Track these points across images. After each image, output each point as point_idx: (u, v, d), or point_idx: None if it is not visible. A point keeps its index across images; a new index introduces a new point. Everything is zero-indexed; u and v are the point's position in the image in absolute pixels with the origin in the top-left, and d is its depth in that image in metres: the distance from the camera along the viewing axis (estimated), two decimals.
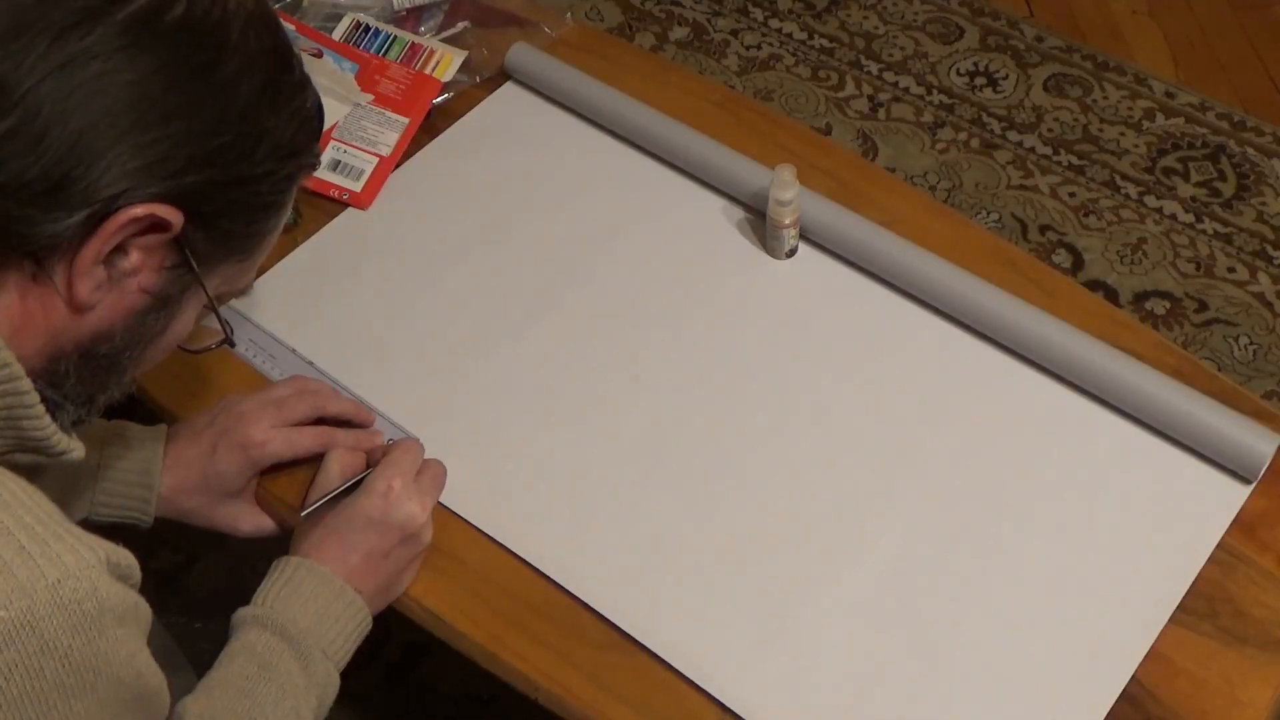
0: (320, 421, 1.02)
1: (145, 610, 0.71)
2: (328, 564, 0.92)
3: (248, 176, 0.73)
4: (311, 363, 1.08)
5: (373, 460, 0.99)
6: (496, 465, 1.02)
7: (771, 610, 0.94)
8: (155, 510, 0.99)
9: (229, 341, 0.84)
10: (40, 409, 0.69)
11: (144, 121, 0.68)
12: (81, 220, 0.67)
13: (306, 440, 0.99)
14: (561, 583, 0.96)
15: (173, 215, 0.69)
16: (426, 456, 1.00)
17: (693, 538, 0.98)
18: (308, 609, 0.90)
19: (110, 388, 0.76)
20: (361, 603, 0.92)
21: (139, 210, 0.68)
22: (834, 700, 0.90)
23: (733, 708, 0.89)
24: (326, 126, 1.22)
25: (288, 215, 0.80)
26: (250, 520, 1.01)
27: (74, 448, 0.73)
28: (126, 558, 0.68)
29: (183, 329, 0.78)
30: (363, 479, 0.96)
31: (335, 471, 0.98)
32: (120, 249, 0.70)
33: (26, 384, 0.68)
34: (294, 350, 1.09)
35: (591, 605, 0.94)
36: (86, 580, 0.63)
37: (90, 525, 0.97)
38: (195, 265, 0.73)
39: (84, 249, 0.68)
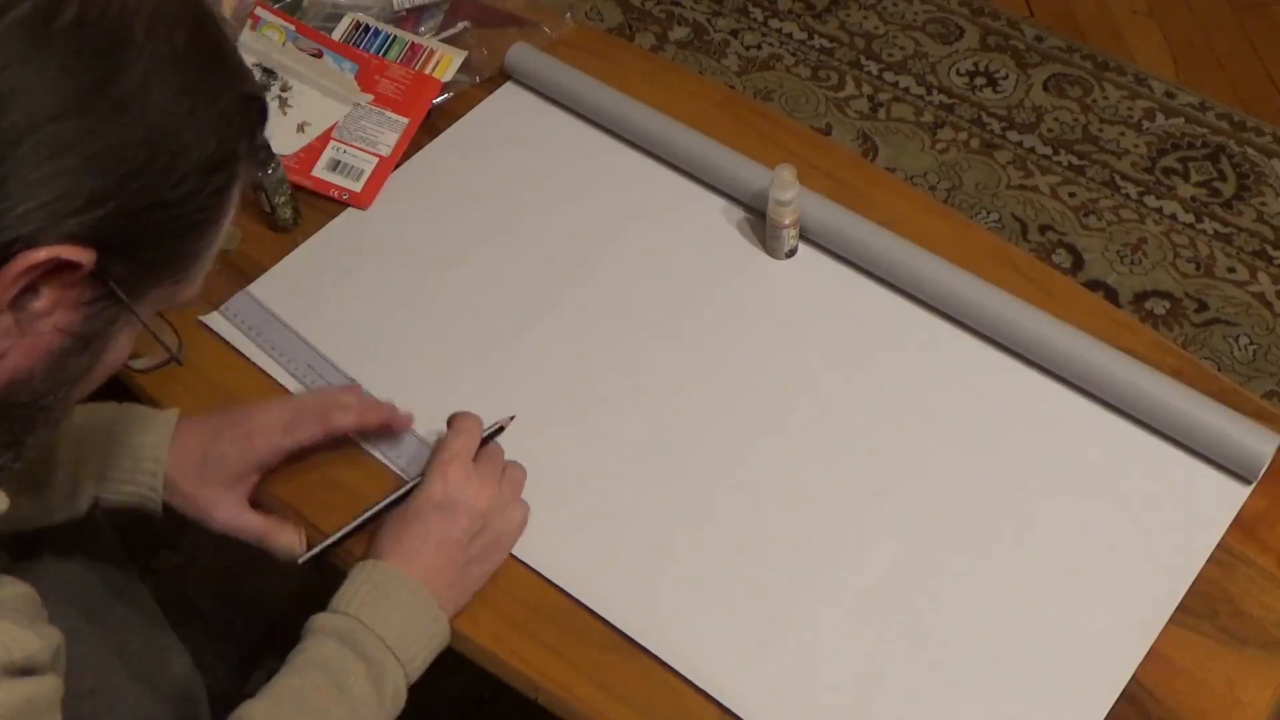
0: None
1: (48, 691, 0.66)
2: (405, 564, 0.89)
3: (166, 201, 0.65)
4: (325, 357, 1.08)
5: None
6: None
7: (771, 611, 0.94)
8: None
9: (175, 360, 0.77)
10: None
11: (37, 155, 0.60)
12: None
13: (303, 435, 0.98)
14: (561, 584, 0.96)
15: (81, 255, 0.62)
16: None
17: (693, 538, 0.98)
18: (390, 621, 0.87)
19: (38, 430, 0.70)
20: (444, 619, 0.90)
21: (40, 255, 0.60)
22: (834, 700, 0.90)
23: (733, 708, 0.89)
24: (326, 126, 1.23)
25: (226, 227, 0.72)
26: (228, 511, 0.97)
27: None
28: (23, 647, 0.64)
29: (116, 359, 0.71)
30: (413, 486, 0.95)
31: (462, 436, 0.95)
32: (30, 289, 0.63)
33: None
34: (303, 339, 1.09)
35: (590, 607, 0.94)
36: None
37: (102, 509, 0.97)
38: (123, 295, 0.66)
39: None
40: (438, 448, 0.95)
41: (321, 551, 0.97)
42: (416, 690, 0.89)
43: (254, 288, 1.13)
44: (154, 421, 0.97)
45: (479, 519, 0.92)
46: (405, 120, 1.24)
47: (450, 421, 0.98)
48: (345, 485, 1.02)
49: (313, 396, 1.01)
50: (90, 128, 0.61)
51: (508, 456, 1.01)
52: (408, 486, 0.96)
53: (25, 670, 0.65)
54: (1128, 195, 1.98)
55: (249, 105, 0.70)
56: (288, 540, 0.98)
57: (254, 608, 1.53)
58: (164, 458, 0.96)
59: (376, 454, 1.03)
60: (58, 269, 0.62)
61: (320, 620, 0.88)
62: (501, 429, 1.00)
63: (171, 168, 0.64)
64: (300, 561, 0.96)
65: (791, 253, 1.14)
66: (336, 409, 0.99)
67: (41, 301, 0.64)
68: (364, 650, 0.85)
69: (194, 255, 0.70)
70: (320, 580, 1.56)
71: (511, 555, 0.97)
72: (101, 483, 0.97)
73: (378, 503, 0.97)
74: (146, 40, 0.62)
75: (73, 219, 0.61)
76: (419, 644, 0.88)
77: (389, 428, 1.02)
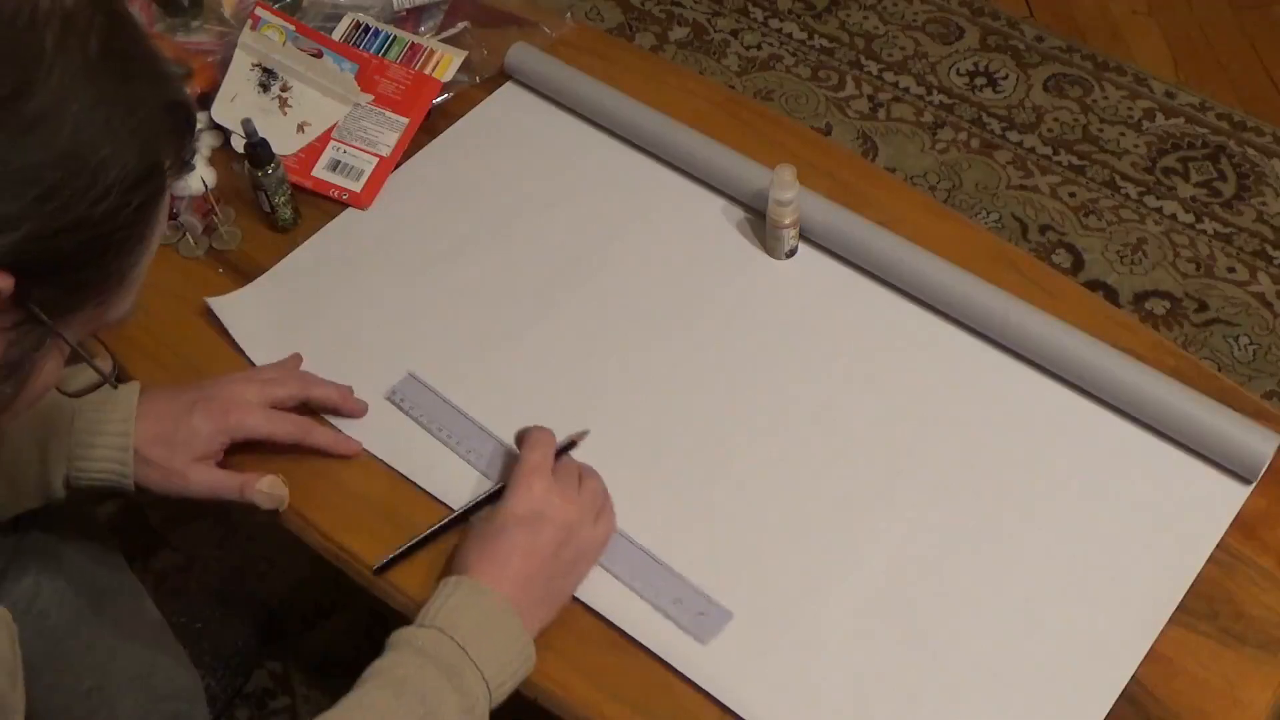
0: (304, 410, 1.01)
1: None
2: (494, 578, 0.87)
3: (86, 220, 0.61)
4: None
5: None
6: (495, 466, 1.02)
7: (771, 610, 0.94)
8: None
9: (108, 383, 0.74)
10: None
11: None
12: None
13: (285, 425, 0.98)
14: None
15: None
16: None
17: (692, 538, 0.98)
18: (489, 654, 0.84)
19: None
20: (532, 649, 0.87)
21: None
22: (834, 700, 0.90)
23: (733, 707, 0.89)
24: (326, 127, 1.23)
25: (155, 244, 0.68)
26: (202, 475, 0.96)
27: None
28: None
29: (44, 384, 0.68)
30: (487, 498, 0.96)
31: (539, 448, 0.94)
32: None
33: None
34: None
35: (590, 605, 0.94)
36: None
37: (76, 491, 0.96)
38: (46, 320, 0.63)
39: None
40: (517, 462, 0.94)
41: (398, 557, 0.96)
42: None
43: (258, 289, 1.13)
44: (116, 397, 0.96)
45: (564, 530, 0.90)
46: (405, 120, 1.24)
47: (522, 436, 0.97)
48: (347, 486, 1.02)
49: (283, 378, 1.01)
50: (1, 146, 0.58)
51: (509, 458, 1.01)
52: (489, 493, 0.96)
53: None
54: (1128, 195, 1.98)
55: (173, 113, 0.66)
56: (268, 486, 0.97)
57: (254, 608, 1.53)
58: (130, 431, 0.94)
59: (459, 453, 1.02)
60: None
61: (417, 638, 0.84)
62: (574, 444, 0.99)
63: (90, 186, 0.60)
64: (375, 570, 0.95)
65: (791, 253, 1.14)
66: (311, 386, 1.00)
67: None
68: (460, 681, 0.82)
69: (120, 274, 0.66)
70: (320, 581, 1.56)
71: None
72: (71, 463, 0.95)
73: (457, 509, 0.97)
74: (57, 52, 0.59)
75: None
76: (507, 672, 0.86)
77: (341, 448, 1.01)
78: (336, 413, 1.04)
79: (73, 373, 0.72)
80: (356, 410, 1.04)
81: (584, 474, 0.96)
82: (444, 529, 0.97)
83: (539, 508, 0.90)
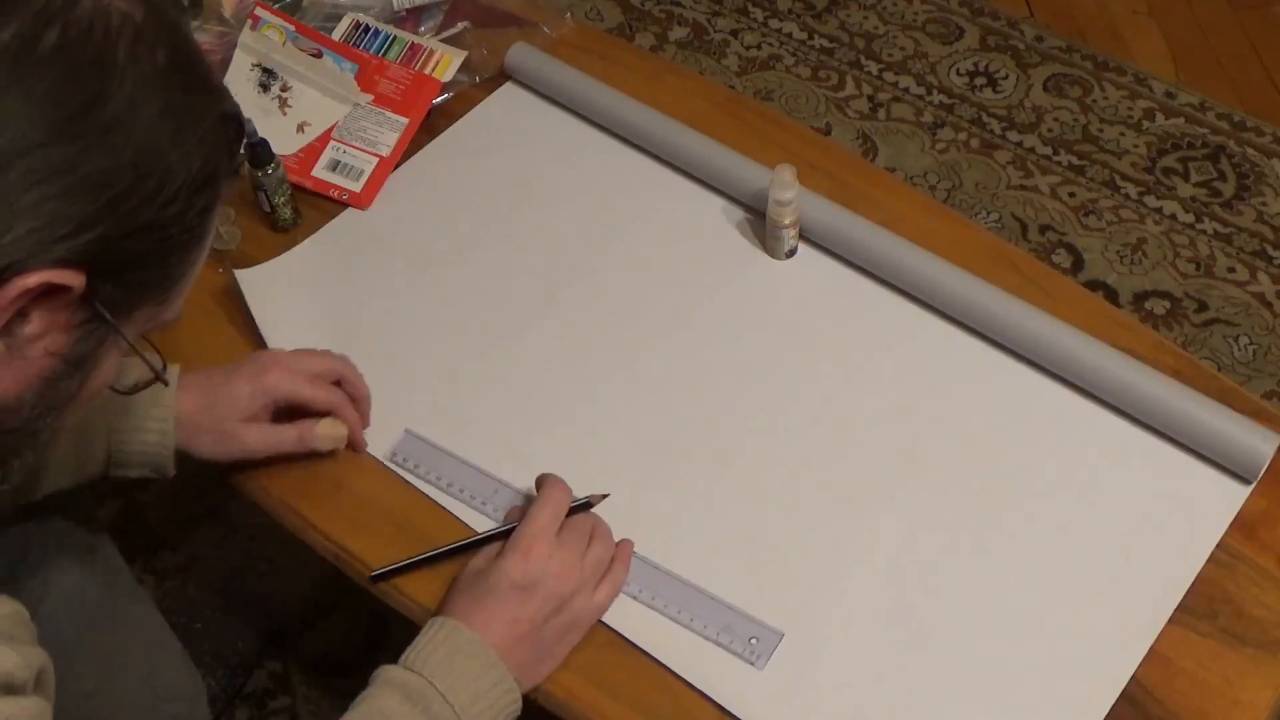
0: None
1: (28, 714, 0.66)
2: (476, 630, 0.87)
3: (153, 222, 0.64)
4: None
5: (511, 518, 0.96)
6: (495, 466, 1.02)
7: (770, 611, 0.94)
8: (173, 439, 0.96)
9: (160, 380, 0.77)
10: None
11: (25, 182, 0.60)
12: None
13: (320, 392, 0.99)
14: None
15: (71, 279, 0.62)
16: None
17: (692, 538, 0.98)
18: (463, 690, 0.85)
19: (24, 454, 0.71)
20: (516, 692, 0.87)
21: (30, 280, 0.61)
22: (833, 700, 0.90)
23: (731, 709, 0.89)
24: (326, 126, 1.23)
25: (208, 246, 0.72)
26: (258, 433, 0.98)
27: None
28: (4, 662, 0.64)
29: (104, 381, 0.71)
30: (509, 530, 0.93)
31: None
32: (20, 314, 0.63)
33: None
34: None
35: (502, 532, 0.94)
36: None
37: (114, 475, 0.98)
38: (110, 318, 0.66)
39: None
40: (524, 519, 0.92)
41: (397, 569, 0.96)
42: None
43: (257, 288, 1.13)
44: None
45: (555, 600, 0.89)
46: (405, 120, 1.24)
47: (538, 486, 0.95)
48: (346, 485, 1.02)
49: (321, 355, 1.02)
50: (77, 152, 0.61)
51: (509, 455, 1.01)
52: (500, 530, 0.95)
53: (5, 688, 0.64)
54: (1128, 195, 1.98)
55: (227, 123, 0.69)
56: (326, 428, 0.99)
57: (254, 608, 1.53)
58: (172, 403, 0.95)
59: (470, 507, 1.00)
60: (48, 293, 0.62)
61: (391, 673, 0.86)
62: (591, 505, 0.96)
63: (159, 189, 0.64)
64: (372, 577, 0.95)
65: (791, 253, 1.14)
66: (347, 367, 1.01)
67: (31, 326, 0.64)
68: (431, 711, 0.83)
69: (179, 275, 0.69)
70: (320, 581, 1.56)
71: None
72: (112, 436, 0.96)
73: (469, 538, 0.96)
74: (129, 62, 0.62)
75: (62, 244, 0.61)
76: (488, 715, 0.86)
77: (358, 436, 1.02)
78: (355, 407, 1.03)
79: (123, 368, 0.74)
80: (367, 421, 1.03)
81: (595, 536, 0.93)
82: (449, 554, 0.96)
83: (535, 575, 0.89)
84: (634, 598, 0.94)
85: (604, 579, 0.93)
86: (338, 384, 1.02)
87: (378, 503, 1.00)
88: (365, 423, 1.03)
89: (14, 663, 0.65)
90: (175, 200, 0.64)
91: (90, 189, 0.61)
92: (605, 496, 0.97)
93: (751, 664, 0.91)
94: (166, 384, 0.79)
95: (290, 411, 1.01)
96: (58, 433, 0.71)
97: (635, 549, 0.96)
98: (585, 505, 0.96)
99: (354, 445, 1.02)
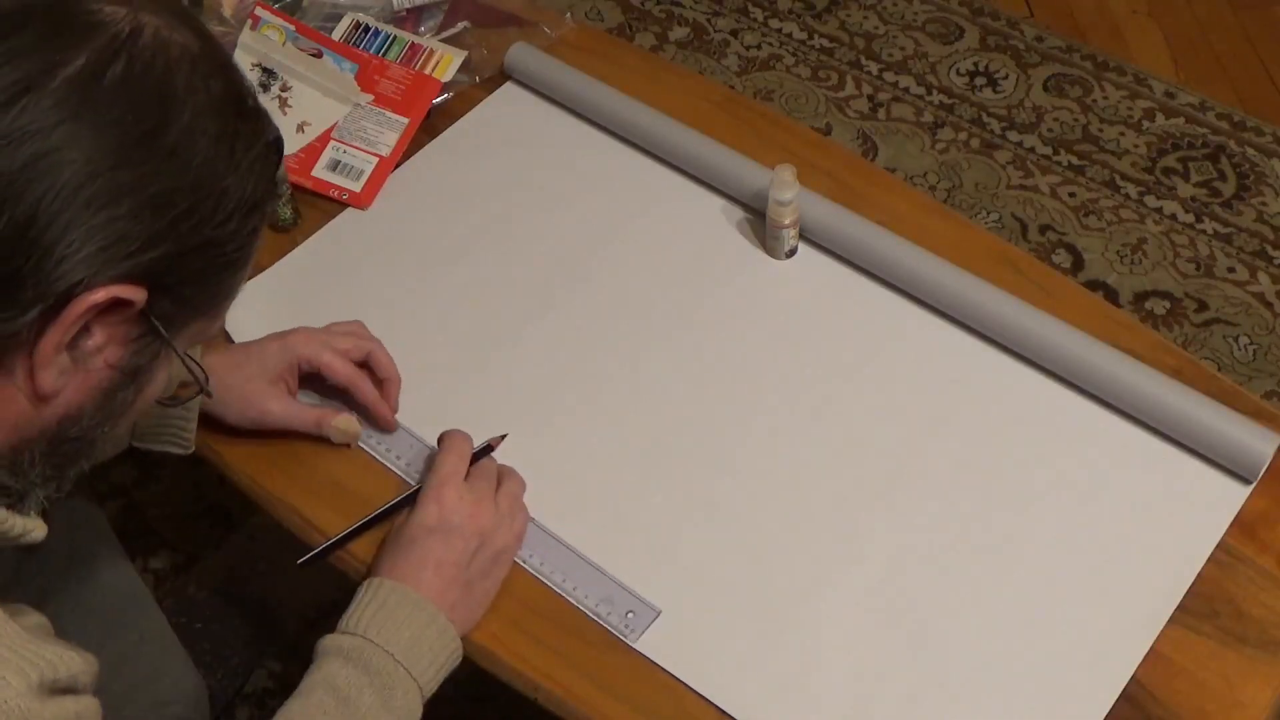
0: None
1: (90, 713, 0.69)
2: (407, 583, 0.89)
3: (210, 240, 0.68)
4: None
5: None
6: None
7: (770, 611, 0.94)
8: (126, 441, 0.98)
9: (205, 392, 0.80)
10: None
11: (94, 203, 0.63)
12: (36, 316, 0.63)
13: (342, 366, 1.01)
14: (558, 585, 0.96)
15: (135, 294, 0.66)
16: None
17: (691, 538, 0.98)
18: (399, 637, 0.87)
19: (81, 462, 0.73)
20: (453, 632, 0.90)
21: (99, 295, 0.64)
22: (833, 701, 0.90)
23: (730, 711, 0.89)
24: (326, 126, 1.24)
25: (255, 254, 0.76)
26: (282, 403, 1.01)
27: (31, 528, 0.71)
28: (69, 666, 0.66)
29: (155, 393, 0.74)
30: (413, 494, 0.96)
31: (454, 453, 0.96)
32: (83, 328, 0.66)
33: None
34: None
35: (589, 609, 0.94)
36: (16, 711, 0.61)
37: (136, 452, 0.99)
38: (164, 332, 0.69)
39: (42, 341, 0.64)
40: (430, 469, 0.95)
41: (320, 553, 0.97)
42: None
43: (257, 287, 1.13)
44: None
45: (476, 538, 0.92)
46: (405, 120, 1.24)
47: (440, 440, 0.98)
48: (344, 484, 1.02)
49: (349, 333, 1.04)
50: (142, 175, 0.64)
51: (508, 455, 1.01)
52: (407, 495, 0.97)
53: (68, 689, 0.67)
54: (1128, 195, 1.98)
55: (272, 147, 0.73)
56: (343, 423, 1.02)
57: (254, 608, 1.53)
58: (198, 358, 0.96)
59: (376, 453, 1.03)
60: (110, 308, 0.65)
61: (327, 641, 0.88)
62: (492, 448, 0.99)
63: (215, 210, 0.67)
64: (299, 563, 0.96)
65: (791, 253, 1.14)
66: (376, 346, 1.04)
67: (94, 339, 0.67)
68: (371, 666, 0.85)
69: (227, 292, 0.74)
70: (321, 580, 1.56)
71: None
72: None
73: (378, 509, 0.97)
74: (187, 91, 0.66)
75: (128, 261, 0.65)
76: (428, 657, 0.88)
77: (380, 413, 1.03)
78: (381, 390, 1.04)
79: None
80: (394, 406, 1.04)
81: (504, 476, 0.97)
82: (363, 528, 0.97)
83: (449, 518, 0.91)
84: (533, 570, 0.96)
85: (515, 512, 0.96)
86: (365, 365, 1.03)
87: (378, 502, 1.00)
88: (393, 406, 1.04)
89: (80, 665, 0.67)
90: (230, 220, 0.68)
91: (154, 209, 0.65)
92: (504, 437, 1.00)
93: (623, 637, 0.92)
94: (210, 395, 0.82)
95: (322, 391, 1.03)
96: (109, 444, 0.75)
97: (631, 545, 0.96)
98: (486, 449, 0.99)
99: (378, 424, 1.03)
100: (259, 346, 1.01)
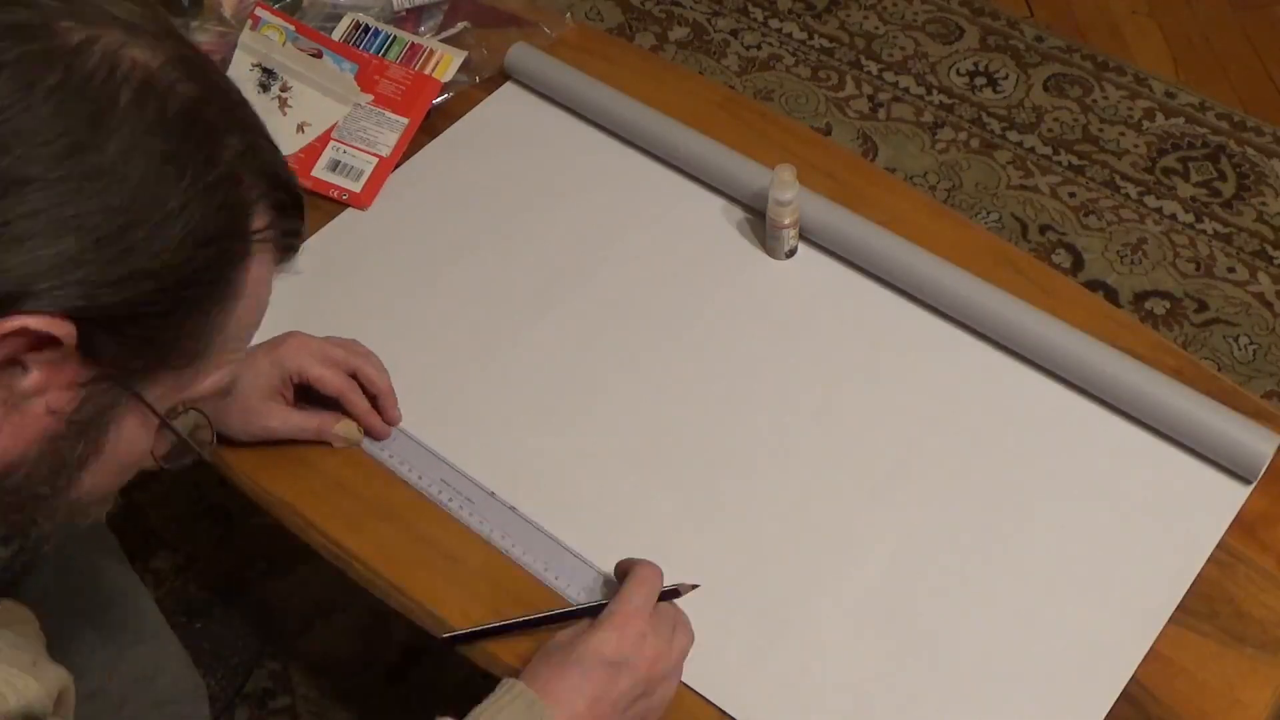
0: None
1: None
2: (553, 704, 0.82)
3: (145, 271, 0.60)
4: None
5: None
6: (494, 465, 1.02)
7: (770, 612, 0.94)
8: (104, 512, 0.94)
9: (201, 458, 0.72)
10: None
11: (13, 221, 0.57)
12: None
13: (333, 377, 1.00)
14: (559, 586, 0.96)
15: (57, 328, 0.58)
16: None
17: (691, 539, 0.98)
18: None
19: (38, 521, 0.65)
20: None
21: (6, 326, 0.57)
22: (834, 701, 0.90)
23: (730, 711, 0.89)
24: (326, 127, 1.23)
25: (246, 315, 0.67)
26: (283, 415, 1.01)
27: None
28: (25, 692, 0.62)
29: (129, 451, 0.67)
30: (597, 606, 0.89)
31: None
32: (15, 364, 0.59)
33: None
34: None
35: (589, 609, 0.94)
36: None
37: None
38: (118, 379, 0.62)
39: None
40: (618, 596, 0.88)
41: (472, 635, 0.92)
42: (416, 690, 0.89)
43: None
44: None
45: (644, 684, 0.85)
46: (405, 120, 1.24)
47: (631, 568, 0.90)
48: (346, 485, 1.02)
49: (343, 345, 1.04)
50: (63, 193, 0.58)
51: (508, 455, 1.01)
52: (587, 608, 0.91)
53: (26, 718, 0.62)
54: (1128, 195, 1.98)
55: (266, 180, 0.66)
56: (344, 429, 1.02)
57: (254, 608, 1.53)
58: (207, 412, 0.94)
59: (380, 458, 1.03)
60: (39, 344, 0.59)
61: None
62: (679, 593, 0.92)
63: (152, 237, 0.60)
64: (443, 637, 0.92)
65: (791, 253, 1.14)
66: (365, 361, 1.02)
67: (30, 378, 0.60)
68: None
69: (198, 338, 0.65)
70: (321, 581, 1.56)
71: (510, 554, 0.97)
72: None
73: (546, 611, 0.92)
74: (132, 107, 0.60)
75: (46, 287, 0.58)
76: None
77: (371, 423, 1.03)
78: (373, 404, 1.04)
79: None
80: (391, 417, 1.04)
81: (679, 624, 0.89)
82: (528, 625, 0.92)
83: (628, 653, 0.84)
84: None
85: (681, 668, 0.89)
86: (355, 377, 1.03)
87: (378, 502, 1.00)
88: (388, 417, 1.04)
89: (35, 692, 0.63)
90: (169, 250, 0.61)
91: (75, 230, 0.58)
92: (695, 587, 0.92)
93: None
94: (208, 462, 0.74)
95: (324, 400, 1.02)
96: (79, 506, 0.67)
97: (631, 546, 0.96)
98: (674, 592, 0.91)
99: (373, 434, 1.04)
100: (250, 361, 0.99)
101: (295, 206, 0.69)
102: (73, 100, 0.59)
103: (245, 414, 1.00)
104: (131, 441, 0.66)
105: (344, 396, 1.02)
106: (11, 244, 0.57)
